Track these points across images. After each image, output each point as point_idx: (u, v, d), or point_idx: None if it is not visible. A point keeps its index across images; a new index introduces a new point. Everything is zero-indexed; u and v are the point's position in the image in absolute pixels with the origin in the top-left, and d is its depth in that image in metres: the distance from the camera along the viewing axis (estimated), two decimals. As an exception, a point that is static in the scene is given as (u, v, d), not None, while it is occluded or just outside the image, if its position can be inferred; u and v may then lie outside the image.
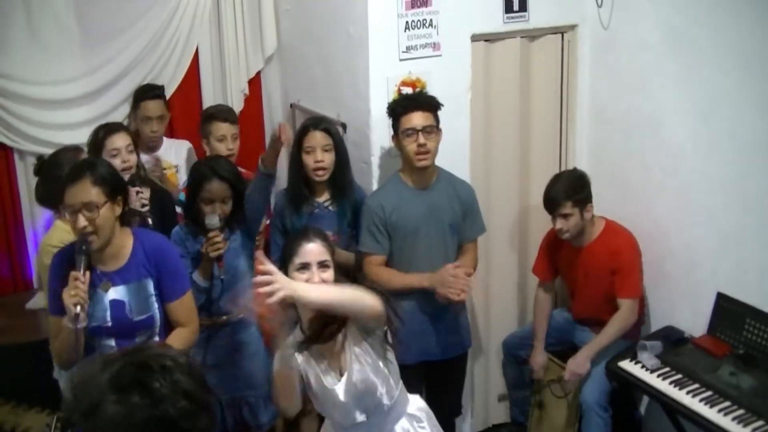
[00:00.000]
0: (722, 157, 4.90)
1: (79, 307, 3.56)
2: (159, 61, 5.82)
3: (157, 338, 3.99)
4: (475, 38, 5.32)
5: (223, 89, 6.09)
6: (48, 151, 5.45)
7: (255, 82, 6.22)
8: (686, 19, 5.00)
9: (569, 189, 5.15)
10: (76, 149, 4.61)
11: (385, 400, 3.70)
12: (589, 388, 5.17)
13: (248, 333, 4.80)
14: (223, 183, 4.54)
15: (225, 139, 5.35)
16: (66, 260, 3.79)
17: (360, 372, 3.59)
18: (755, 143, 4.70)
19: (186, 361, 1.95)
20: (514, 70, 5.59)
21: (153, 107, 5.56)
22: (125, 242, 3.91)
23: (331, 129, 4.86)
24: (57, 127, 5.59)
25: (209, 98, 6.00)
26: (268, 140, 6.18)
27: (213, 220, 4.48)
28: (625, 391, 5.33)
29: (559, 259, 5.49)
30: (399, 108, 4.78)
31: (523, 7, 5.43)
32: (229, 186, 4.56)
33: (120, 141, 4.85)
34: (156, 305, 3.96)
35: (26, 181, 5.67)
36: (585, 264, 5.32)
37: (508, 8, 5.39)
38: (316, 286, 3.47)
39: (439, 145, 4.78)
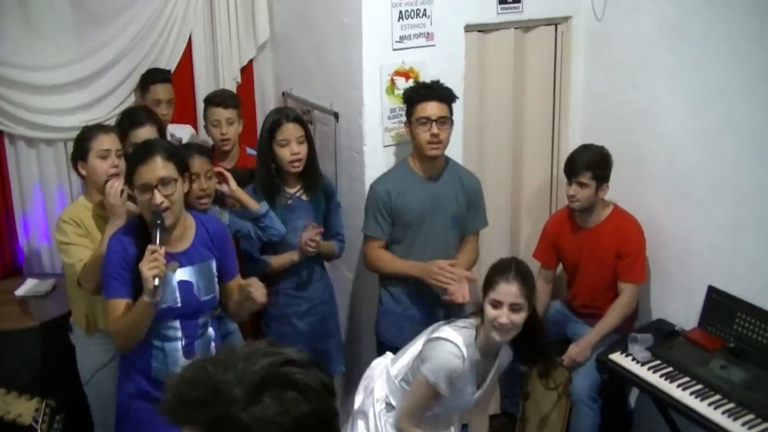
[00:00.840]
0: (716, 150, 4.90)
1: (158, 280, 3.58)
2: (153, 47, 5.79)
3: (214, 318, 4.10)
4: (468, 29, 5.31)
5: (215, 77, 6.06)
6: (39, 135, 5.47)
7: (247, 71, 6.19)
8: (680, 12, 5.00)
9: (593, 160, 5.17)
10: (104, 131, 4.56)
11: None
12: (579, 380, 5.17)
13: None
14: (203, 157, 4.62)
15: (219, 124, 5.33)
16: (125, 242, 3.82)
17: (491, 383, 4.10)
18: (749, 136, 4.71)
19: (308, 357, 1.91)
20: (508, 61, 5.58)
21: (162, 90, 5.55)
22: (189, 223, 3.95)
23: (302, 120, 4.86)
24: (49, 112, 5.55)
25: (202, 86, 5.97)
26: (259, 128, 6.21)
27: (225, 217, 4.56)
28: (615, 384, 5.33)
29: (562, 241, 5.49)
30: (416, 96, 4.78)
31: (517, -3, 5.42)
32: (209, 160, 4.66)
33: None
34: (217, 286, 4.01)
35: (16, 166, 5.64)
36: (590, 245, 5.33)
37: (502, -1, 5.38)
38: None
39: (450, 137, 4.79)
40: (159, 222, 3.70)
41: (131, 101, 5.74)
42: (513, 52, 5.58)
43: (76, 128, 4.91)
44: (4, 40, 5.40)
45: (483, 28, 5.42)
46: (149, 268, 3.57)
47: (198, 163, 4.52)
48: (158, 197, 3.70)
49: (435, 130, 4.69)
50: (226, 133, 5.35)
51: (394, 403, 4.08)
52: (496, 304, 3.82)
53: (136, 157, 3.81)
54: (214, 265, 3.97)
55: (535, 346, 4.12)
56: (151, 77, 5.57)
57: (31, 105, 5.52)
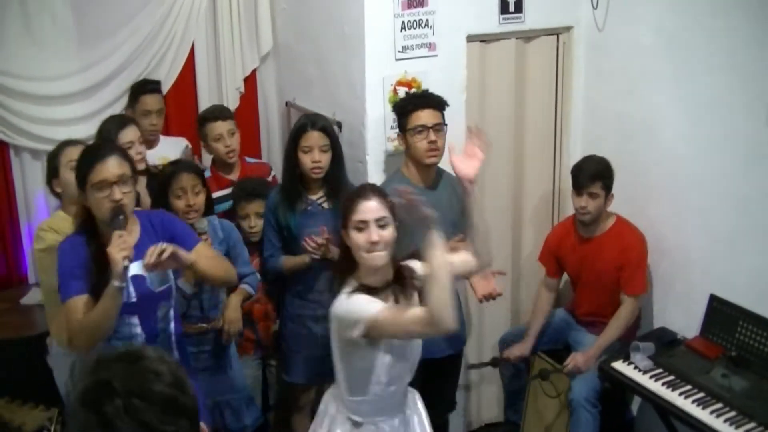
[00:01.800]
0: (715, 159, 4.93)
1: (127, 261, 3.58)
2: (155, 58, 5.83)
3: (172, 312, 4.04)
4: (470, 39, 5.34)
5: (218, 87, 6.09)
6: (42, 146, 5.49)
7: (250, 81, 6.22)
8: (680, 23, 5.02)
9: (601, 170, 5.22)
10: (72, 144, 4.60)
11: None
12: (579, 386, 5.19)
13: (179, 330, 4.81)
14: (191, 173, 4.65)
15: (222, 138, 5.37)
16: (75, 243, 3.82)
17: None
18: (748, 146, 4.73)
19: (158, 387, 1.93)
20: (509, 71, 5.61)
21: (152, 101, 5.56)
22: (133, 220, 3.94)
23: (329, 128, 4.85)
24: (53, 123, 5.59)
25: (204, 96, 6.00)
26: (263, 138, 6.24)
27: (202, 224, 4.59)
28: (617, 392, 5.35)
29: (564, 252, 5.51)
30: (409, 105, 4.80)
31: (518, 8, 5.44)
32: (196, 176, 4.67)
33: (132, 134, 4.95)
34: (172, 276, 4.00)
35: (21, 177, 5.68)
36: (592, 256, 5.35)
37: (504, 9, 5.41)
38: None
39: (446, 143, 4.79)
40: (121, 215, 3.71)
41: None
42: (514, 62, 5.61)
43: (83, 139, 4.96)
44: (8, 51, 5.44)
45: (485, 38, 5.45)
46: (118, 250, 3.58)
47: (185, 179, 4.57)
48: (117, 193, 3.71)
49: (432, 137, 4.72)
50: (230, 145, 5.38)
51: (359, 418, 3.86)
52: (361, 226, 3.61)
53: (91, 155, 3.82)
54: None
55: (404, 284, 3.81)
56: (141, 88, 5.60)
57: (35, 116, 5.57)
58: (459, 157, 3.87)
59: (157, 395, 1.90)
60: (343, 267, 3.78)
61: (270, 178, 5.56)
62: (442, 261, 3.41)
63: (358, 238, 3.62)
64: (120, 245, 3.59)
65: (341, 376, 3.81)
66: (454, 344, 5.09)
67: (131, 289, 3.84)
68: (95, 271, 3.72)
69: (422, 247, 3.47)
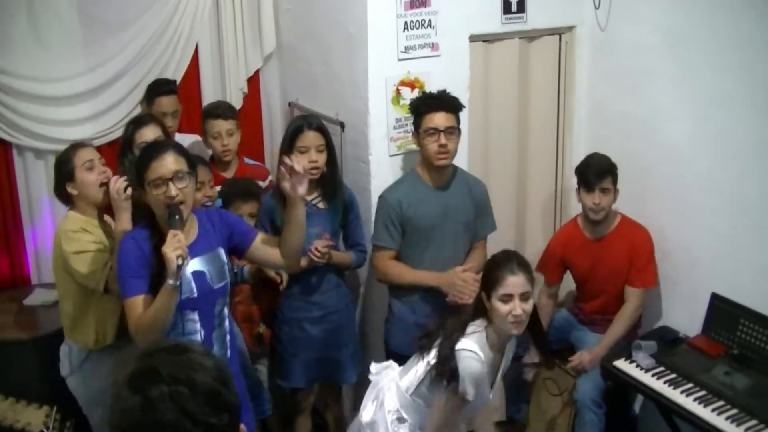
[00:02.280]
0: (719, 158, 4.94)
1: (181, 260, 3.62)
2: (160, 58, 5.84)
3: (227, 309, 4.11)
4: (473, 39, 5.35)
5: (222, 87, 6.11)
6: (48, 147, 5.50)
7: (254, 81, 6.24)
8: (683, 21, 5.03)
9: (609, 165, 5.27)
10: (82, 145, 4.62)
11: None
12: (584, 385, 5.21)
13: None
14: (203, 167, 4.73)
15: (219, 136, 5.40)
16: (138, 239, 3.87)
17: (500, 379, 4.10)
18: (752, 145, 4.74)
19: (203, 378, 1.96)
20: (512, 70, 5.62)
21: (167, 103, 5.56)
22: (192, 218, 3.98)
23: (324, 128, 4.87)
24: (58, 124, 5.62)
25: (209, 96, 6.02)
26: (266, 138, 6.24)
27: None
28: (620, 390, 5.36)
29: (571, 255, 5.52)
30: (423, 106, 4.80)
31: (521, 8, 5.46)
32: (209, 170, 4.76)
33: (149, 134, 4.88)
34: (228, 272, 4.04)
35: (24, 177, 5.70)
36: (603, 256, 5.37)
37: (507, 9, 5.42)
38: None
39: (458, 146, 4.82)
40: (177, 215, 3.74)
41: (138, 111, 5.75)
42: (517, 62, 5.62)
43: (86, 139, 4.97)
44: (13, 51, 5.46)
45: (487, 38, 5.47)
46: (173, 249, 3.61)
47: (202, 172, 4.59)
48: (173, 189, 3.74)
49: (443, 140, 4.72)
50: (227, 144, 5.41)
51: (406, 416, 4.08)
52: (507, 299, 3.84)
53: (148, 153, 3.85)
54: (222, 252, 3.99)
55: (540, 329, 4.23)
56: (157, 89, 5.58)
57: (40, 116, 5.58)
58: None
59: (200, 386, 1.93)
60: (475, 313, 4.07)
61: (267, 183, 5.56)
62: None
63: (502, 309, 3.87)
64: (174, 244, 3.63)
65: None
66: None
67: (193, 285, 3.89)
68: (156, 268, 3.76)
69: None
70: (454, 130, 4.77)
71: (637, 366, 4.91)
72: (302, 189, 3.91)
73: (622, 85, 5.53)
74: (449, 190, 4.90)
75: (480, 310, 4.00)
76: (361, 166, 5.22)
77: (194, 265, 3.85)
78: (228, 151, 5.44)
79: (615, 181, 5.24)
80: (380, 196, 4.90)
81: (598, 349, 5.24)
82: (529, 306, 3.87)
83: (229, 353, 4.12)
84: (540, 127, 5.87)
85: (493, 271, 3.93)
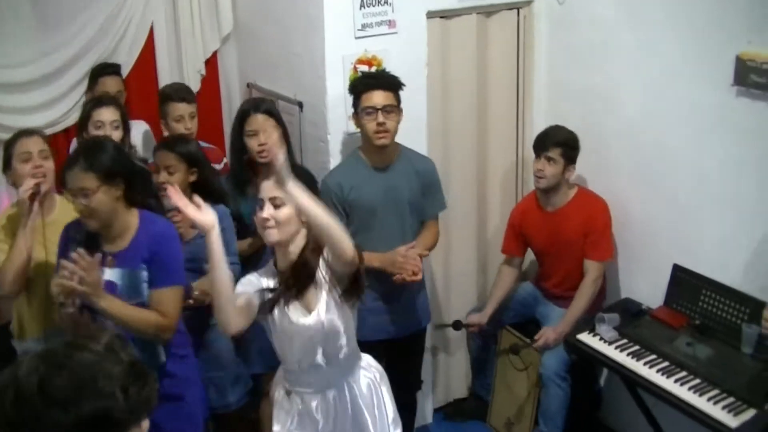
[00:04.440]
0: (678, 131, 4.95)
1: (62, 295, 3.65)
2: (114, 41, 5.77)
3: None
4: (430, 15, 5.32)
5: (179, 69, 6.05)
6: (3, 135, 5.44)
7: (212, 63, 6.19)
8: (641, -6, 5.04)
9: (564, 138, 5.28)
10: (27, 134, 4.57)
11: (345, 348, 3.82)
12: (548, 360, 5.23)
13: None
14: (170, 152, 4.62)
15: (182, 119, 5.33)
16: (68, 234, 3.91)
17: (328, 312, 3.70)
18: (710, 116, 4.75)
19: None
20: (470, 46, 5.60)
21: (111, 83, 5.52)
22: (130, 224, 3.92)
23: (273, 110, 4.87)
24: (12, 111, 5.53)
25: (165, 79, 5.95)
26: (225, 120, 6.20)
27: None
28: (585, 364, 5.37)
29: (529, 227, 5.53)
30: (360, 86, 4.77)
31: (478, -18, 5.44)
32: (177, 156, 4.61)
33: (106, 115, 4.90)
34: (146, 293, 3.91)
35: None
36: (558, 228, 5.38)
37: (464, -16, 5.40)
38: (308, 196, 3.48)
39: (398, 125, 4.77)
40: (77, 235, 3.82)
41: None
42: (475, 37, 5.60)
43: (40, 127, 4.93)
44: (-35, 40, 5.40)
45: (445, 14, 5.44)
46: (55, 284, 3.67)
47: (162, 157, 4.60)
48: (78, 205, 3.77)
49: (381, 118, 4.66)
50: (190, 128, 5.36)
51: (286, 385, 3.96)
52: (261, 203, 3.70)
53: (66, 161, 3.86)
54: (144, 273, 3.88)
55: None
56: (100, 70, 5.56)
57: (-6, 104, 5.52)
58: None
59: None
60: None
61: (221, 166, 5.52)
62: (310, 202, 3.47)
63: (258, 213, 3.71)
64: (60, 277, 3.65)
65: None
66: (415, 322, 5.10)
67: None
68: None
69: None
70: (393, 109, 4.71)
71: (601, 339, 4.93)
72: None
73: (580, 59, 5.53)
74: (392, 171, 4.85)
75: None
76: (320, 145, 5.19)
77: (109, 274, 3.82)
78: (191, 135, 5.39)
79: (567, 156, 5.25)
80: (322, 180, 4.84)
81: (562, 326, 5.26)
82: (282, 213, 3.64)
83: (163, 357, 4.01)
84: (499, 103, 5.85)
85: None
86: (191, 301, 4.53)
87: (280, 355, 3.89)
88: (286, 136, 4.88)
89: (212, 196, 4.51)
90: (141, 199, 4.01)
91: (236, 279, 4.75)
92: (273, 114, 4.84)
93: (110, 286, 3.83)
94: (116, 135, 4.90)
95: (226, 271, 3.52)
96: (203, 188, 4.54)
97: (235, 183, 4.84)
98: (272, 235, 3.66)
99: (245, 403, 5.06)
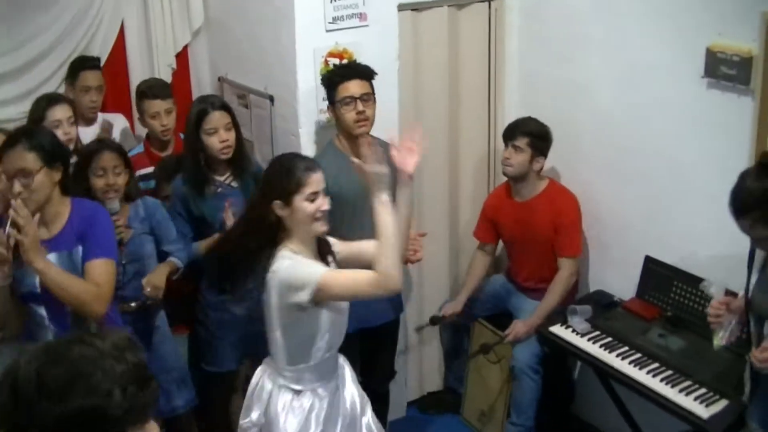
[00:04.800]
0: (649, 122, 4.96)
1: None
2: (85, 36, 5.71)
3: None
4: (402, 7, 5.30)
5: (150, 64, 6.00)
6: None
7: (183, 57, 6.13)
8: (613, -14, 5.04)
9: (533, 129, 5.30)
10: None
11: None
12: (521, 352, 5.24)
13: (158, 316, 4.77)
14: (113, 153, 4.55)
15: (158, 116, 5.31)
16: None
17: None
18: (681, 109, 4.76)
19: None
20: (442, 39, 5.59)
21: (92, 77, 5.50)
22: (62, 211, 3.92)
23: (228, 106, 4.88)
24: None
25: (137, 73, 5.91)
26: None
27: (113, 204, 4.46)
28: (557, 356, 5.38)
29: (500, 216, 5.54)
30: (335, 77, 4.77)
31: (449, -25, 5.43)
32: (119, 156, 4.57)
33: (61, 113, 4.88)
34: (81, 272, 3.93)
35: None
36: (526, 219, 5.38)
37: (435, -23, 5.39)
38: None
39: (375, 113, 4.78)
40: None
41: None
42: (447, 30, 5.59)
43: (10, 120, 4.88)
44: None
45: (416, 7, 5.43)
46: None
47: (107, 158, 4.49)
48: (17, 187, 3.73)
49: (360, 107, 4.68)
50: (166, 124, 5.33)
51: (297, 387, 3.90)
52: (313, 197, 3.74)
53: (3, 143, 3.85)
54: (79, 253, 3.90)
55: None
56: (80, 64, 5.52)
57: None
58: (398, 153, 3.86)
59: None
60: (275, 238, 3.80)
61: None
62: (392, 221, 3.63)
63: (309, 207, 3.72)
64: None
65: (281, 347, 3.83)
66: (390, 312, 5.09)
67: (36, 279, 3.82)
68: None
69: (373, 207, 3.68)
70: (370, 97, 4.74)
71: (573, 331, 4.95)
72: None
73: (552, 52, 5.53)
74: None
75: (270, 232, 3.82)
76: (291, 139, 5.17)
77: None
78: (167, 131, 5.37)
79: (537, 148, 5.26)
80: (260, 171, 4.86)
81: (533, 319, 5.26)
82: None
83: None
84: (471, 96, 5.85)
85: (286, 176, 3.76)
86: (147, 291, 4.54)
87: (314, 346, 3.83)
88: (238, 131, 4.89)
89: (131, 196, 4.64)
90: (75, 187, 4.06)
91: (184, 265, 4.76)
92: (228, 110, 4.85)
93: None
94: (73, 131, 4.95)
95: None
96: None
97: (193, 184, 4.81)
98: (325, 226, 3.82)
99: (193, 407, 5.00)
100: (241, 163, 4.87)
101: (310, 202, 3.71)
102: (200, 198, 4.80)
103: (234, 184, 4.87)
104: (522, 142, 5.24)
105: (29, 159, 3.74)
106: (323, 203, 3.75)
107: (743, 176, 3.64)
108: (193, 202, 4.81)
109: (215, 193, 4.82)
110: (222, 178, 4.86)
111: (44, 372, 1.90)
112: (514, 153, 5.26)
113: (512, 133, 5.30)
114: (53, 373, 1.89)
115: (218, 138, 4.73)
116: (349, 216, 4.77)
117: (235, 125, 4.84)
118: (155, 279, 4.60)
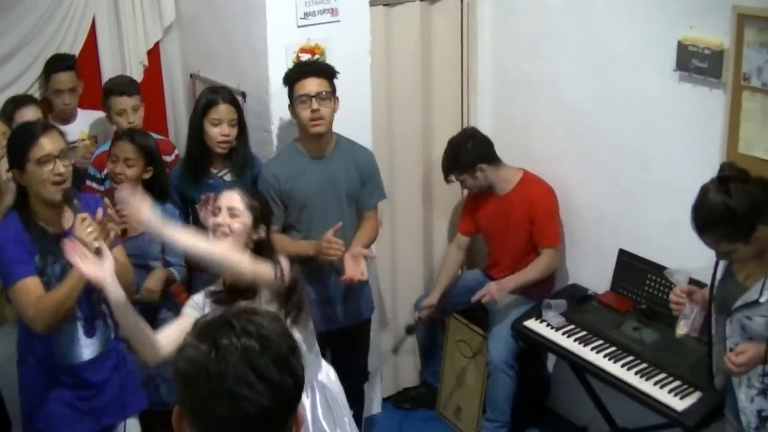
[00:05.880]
0: (621, 116, 4.98)
1: (97, 243, 3.57)
2: (56, 33, 5.66)
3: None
4: (373, 3, 5.29)
5: (121, 61, 5.96)
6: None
7: (154, 53, 6.09)
8: (583, -20, 5.05)
9: (447, 162, 5.42)
10: None
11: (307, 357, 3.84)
12: (496, 347, 5.24)
13: (165, 309, 4.76)
14: (130, 144, 4.62)
15: (125, 113, 5.27)
16: (14, 227, 3.81)
17: None
18: (652, 102, 4.78)
19: (276, 339, 1.92)
20: (414, 34, 5.59)
21: (64, 79, 5.43)
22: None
23: (237, 102, 4.87)
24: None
25: (108, 70, 5.86)
26: (168, 111, 6.14)
27: (119, 193, 4.44)
28: (532, 350, 5.39)
29: (481, 210, 5.56)
30: (293, 75, 4.75)
31: (421, -31, 5.43)
32: (137, 150, 4.62)
33: (30, 115, 4.83)
34: None
35: None
36: (504, 212, 5.40)
37: (407, -29, 5.38)
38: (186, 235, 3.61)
39: (335, 113, 4.74)
40: (75, 200, 3.80)
41: (39, 90, 5.61)
42: (419, 25, 5.59)
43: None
44: None
45: (388, 2, 5.43)
46: (87, 234, 3.60)
47: (123, 148, 4.63)
48: (60, 167, 3.73)
49: (315, 105, 4.63)
50: (133, 121, 5.29)
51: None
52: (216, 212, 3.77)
53: (35, 130, 3.81)
54: None
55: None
56: (53, 65, 5.45)
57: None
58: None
59: (273, 346, 1.89)
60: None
61: (172, 157, 5.46)
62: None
63: (210, 221, 3.81)
64: (85, 227, 3.62)
65: None
66: (359, 312, 5.09)
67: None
68: (39, 251, 3.76)
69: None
70: (327, 96, 4.68)
71: (548, 325, 4.96)
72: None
73: (524, 46, 5.53)
74: (330, 161, 4.82)
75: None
76: (264, 135, 5.16)
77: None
78: (135, 128, 5.34)
79: (464, 168, 5.36)
80: (259, 172, 4.87)
81: (507, 281, 5.27)
82: (237, 224, 3.75)
83: (113, 334, 4.09)
84: (444, 91, 5.85)
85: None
86: (142, 295, 4.54)
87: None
88: (245, 129, 4.90)
89: (159, 197, 4.54)
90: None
91: (182, 281, 4.77)
92: (237, 106, 4.85)
93: None
94: None
95: (128, 318, 3.51)
96: (152, 187, 4.56)
97: (190, 169, 4.81)
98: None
99: None
100: (240, 161, 4.86)
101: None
102: (194, 185, 4.81)
103: (227, 177, 4.86)
104: (454, 177, 5.41)
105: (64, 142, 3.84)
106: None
107: (704, 191, 3.61)
108: (187, 187, 4.83)
109: (207, 184, 4.80)
110: (216, 171, 4.86)
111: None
112: (464, 185, 5.45)
113: (447, 173, 5.44)
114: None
115: (220, 131, 4.73)
116: (306, 216, 4.80)
117: (240, 123, 4.84)
118: (150, 283, 4.64)
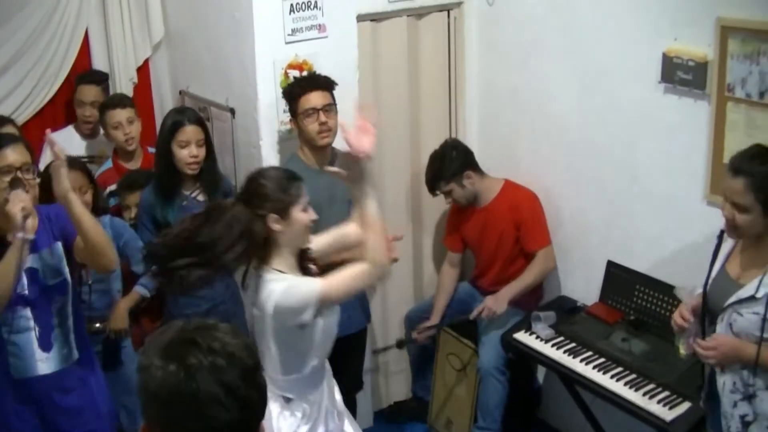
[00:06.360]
0: (608, 127, 5.00)
1: (25, 212, 3.61)
2: (47, 49, 5.68)
3: (70, 307, 4.02)
4: (360, 18, 5.33)
5: (111, 77, 5.99)
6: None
7: (144, 71, 6.13)
8: (569, -7, 5.08)
9: (433, 174, 5.43)
10: None
11: None
12: (486, 354, 5.26)
13: (82, 332, 4.73)
14: (77, 172, 4.62)
15: (120, 126, 5.35)
16: None
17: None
18: (639, 112, 4.80)
19: (240, 353, 1.96)
20: (401, 48, 5.62)
21: (86, 92, 5.61)
22: (34, 215, 3.89)
23: (203, 122, 4.90)
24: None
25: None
26: (158, 127, 6.15)
27: None
28: (523, 362, 5.40)
29: (466, 224, 5.58)
30: (297, 89, 4.81)
31: (408, -15, 5.45)
32: (83, 175, 4.67)
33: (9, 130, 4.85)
34: (67, 269, 3.96)
35: None
36: (488, 222, 5.43)
37: (393, -13, 5.40)
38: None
39: (337, 123, 4.77)
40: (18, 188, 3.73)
41: (32, 103, 5.71)
42: (406, 40, 5.62)
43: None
44: None
45: (375, 17, 5.45)
46: (14, 204, 3.62)
47: (72, 178, 4.50)
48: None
49: (323, 118, 4.73)
50: (129, 132, 5.37)
51: (289, 395, 3.87)
52: (307, 207, 3.76)
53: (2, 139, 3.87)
54: (59, 246, 3.94)
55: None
56: (82, 77, 5.71)
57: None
58: (352, 133, 3.77)
59: (238, 362, 1.93)
60: (262, 254, 3.73)
61: None
62: (375, 209, 3.71)
63: (305, 217, 3.72)
64: (17, 200, 3.63)
65: (276, 359, 3.77)
66: (358, 321, 5.13)
67: (24, 280, 3.83)
68: None
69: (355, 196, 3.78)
70: (331, 107, 4.79)
71: (537, 337, 4.97)
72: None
73: (511, 59, 5.56)
74: None
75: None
76: (252, 151, 5.18)
77: (28, 261, 3.81)
78: (131, 140, 5.40)
79: (450, 177, 5.39)
80: (229, 189, 4.90)
81: (503, 291, 5.29)
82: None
83: (76, 354, 4.07)
84: (432, 104, 5.87)
85: (280, 188, 3.70)
86: (110, 333, 4.75)
87: (309, 358, 3.82)
88: (213, 148, 4.93)
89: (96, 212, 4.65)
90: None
91: (152, 294, 4.81)
92: (203, 126, 4.86)
93: (32, 273, 3.87)
94: None
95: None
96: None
97: (162, 192, 4.81)
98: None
99: None
100: (211, 180, 4.87)
101: (305, 213, 3.71)
102: (168, 206, 4.80)
103: (200, 198, 4.86)
104: (441, 188, 5.43)
105: (29, 156, 3.85)
106: (312, 212, 3.75)
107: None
108: (159, 210, 4.81)
109: (180, 206, 4.80)
110: (188, 192, 4.86)
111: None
112: (450, 196, 5.45)
113: (430, 189, 5.49)
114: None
115: (189, 152, 4.74)
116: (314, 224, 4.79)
117: (208, 142, 4.85)
118: (117, 323, 4.78)
